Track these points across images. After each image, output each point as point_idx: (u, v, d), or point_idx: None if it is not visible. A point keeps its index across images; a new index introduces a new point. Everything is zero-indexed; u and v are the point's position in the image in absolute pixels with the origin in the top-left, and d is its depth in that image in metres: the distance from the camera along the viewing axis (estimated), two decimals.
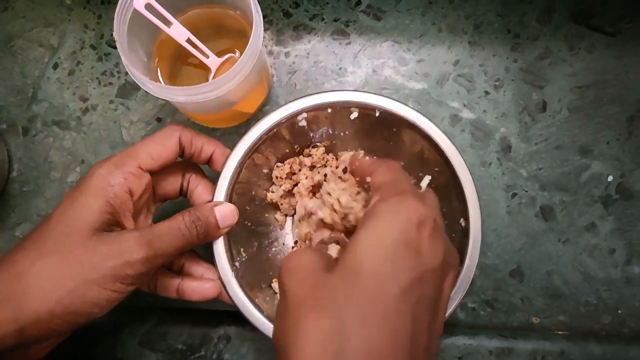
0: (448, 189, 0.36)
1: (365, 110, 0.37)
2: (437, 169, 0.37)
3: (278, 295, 0.38)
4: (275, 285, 0.39)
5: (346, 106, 0.37)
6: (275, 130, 0.37)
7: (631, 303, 0.41)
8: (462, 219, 0.35)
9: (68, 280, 0.29)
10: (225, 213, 0.34)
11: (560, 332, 0.41)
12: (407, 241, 0.25)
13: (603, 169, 0.42)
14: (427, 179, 0.36)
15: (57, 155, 0.44)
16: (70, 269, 0.29)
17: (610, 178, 0.42)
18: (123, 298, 0.31)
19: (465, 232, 0.34)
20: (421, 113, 0.36)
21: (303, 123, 0.38)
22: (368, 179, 0.32)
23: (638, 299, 0.41)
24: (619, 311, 0.41)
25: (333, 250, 0.31)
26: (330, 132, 0.40)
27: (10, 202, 0.44)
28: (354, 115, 0.37)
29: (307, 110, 0.37)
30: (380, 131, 0.38)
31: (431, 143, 0.36)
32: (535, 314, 0.41)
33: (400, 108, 0.36)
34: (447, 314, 0.32)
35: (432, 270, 0.25)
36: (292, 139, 0.39)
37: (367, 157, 0.33)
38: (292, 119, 0.37)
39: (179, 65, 0.41)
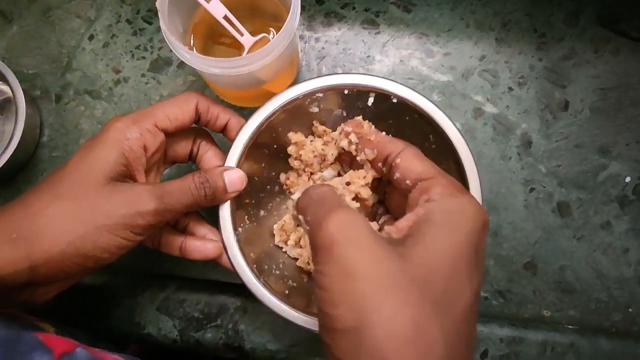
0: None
1: (383, 96, 0.37)
2: (444, 162, 0.36)
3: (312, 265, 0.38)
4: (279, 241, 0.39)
5: (364, 90, 0.37)
6: (292, 105, 0.37)
7: None
8: None
9: (80, 225, 0.30)
10: (234, 178, 0.35)
11: (570, 327, 0.41)
12: (477, 246, 0.25)
13: (621, 170, 0.43)
14: None
15: (88, 123, 0.46)
16: (83, 214, 0.30)
17: (627, 179, 0.43)
18: (132, 247, 0.32)
19: None
20: (438, 106, 0.36)
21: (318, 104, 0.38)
22: (395, 160, 0.32)
23: None
24: (630, 309, 0.41)
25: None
26: (344, 114, 0.40)
27: (39, 166, 0.45)
28: (371, 100, 0.37)
29: (325, 90, 0.37)
30: (394, 119, 0.38)
31: (444, 137, 0.36)
32: (546, 307, 0.42)
33: (417, 98, 0.36)
34: None
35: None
36: (308, 117, 0.39)
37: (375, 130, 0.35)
38: (310, 95, 0.37)
39: (211, 44, 0.42)
